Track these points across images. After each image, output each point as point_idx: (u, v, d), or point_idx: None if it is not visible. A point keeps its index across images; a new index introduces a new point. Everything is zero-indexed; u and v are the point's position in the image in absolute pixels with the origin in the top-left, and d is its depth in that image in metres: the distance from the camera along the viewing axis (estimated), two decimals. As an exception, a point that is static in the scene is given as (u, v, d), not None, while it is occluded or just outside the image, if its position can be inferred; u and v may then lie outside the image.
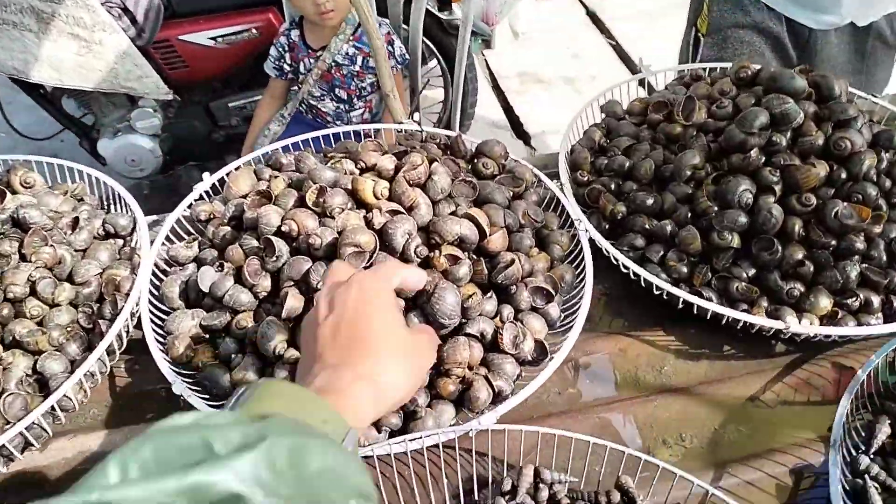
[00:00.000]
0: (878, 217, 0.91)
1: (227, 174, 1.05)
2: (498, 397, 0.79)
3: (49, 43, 2.19)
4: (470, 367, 0.81)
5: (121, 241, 0.98)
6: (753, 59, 1.49)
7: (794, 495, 0.75)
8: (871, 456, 0.74)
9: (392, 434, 0.78)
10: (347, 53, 1.93)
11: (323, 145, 1.18)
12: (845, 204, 0.90)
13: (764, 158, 0.95)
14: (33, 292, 0.86)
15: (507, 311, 0.85)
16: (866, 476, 0.71)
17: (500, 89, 3.60)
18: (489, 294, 0.85)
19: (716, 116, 1.02)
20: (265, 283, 0.86)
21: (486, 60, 3.74)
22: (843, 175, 0.93)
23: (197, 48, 2.35)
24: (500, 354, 0.82)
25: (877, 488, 0.70)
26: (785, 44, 1.48)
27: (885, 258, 0.92)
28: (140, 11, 2.24)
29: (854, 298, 0.88)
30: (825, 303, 0.88)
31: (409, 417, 0.78)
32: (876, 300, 0.89)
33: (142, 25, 2.26)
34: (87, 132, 2.53)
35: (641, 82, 1.28)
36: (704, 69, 1.22)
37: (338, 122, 2.07)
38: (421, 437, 0.74)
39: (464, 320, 0.83)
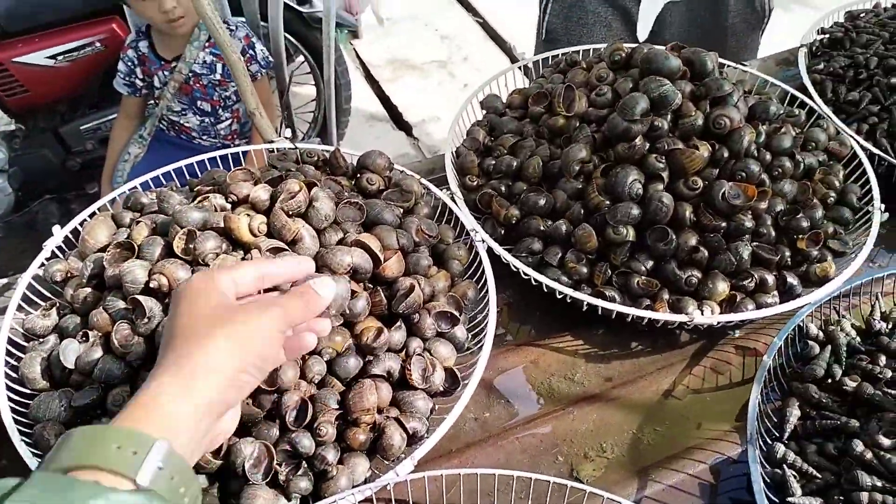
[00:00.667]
0: (763, 193, 0.93)
1: (81, 223, 0.94)
2: (413, 439, 0.74)
3: None
4: (380, 411, 0.75)
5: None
6: (598, 30, 1.49)
7: (717, 491, 0.75)
8: (786, 441, 0.75)
9: (304, 500, 0.71)
10: (205, 62, 1.80)
11: (188, 175, 1.07)
12: (731, 184, 0.91)
13: (648, 145, 0.94)
14: None
15: (415, 343, 0.80)
16: (784, 466, 0.71)
17: (374, 79, 3.51)
18: (397, 324, 0.80)
19: (596, 105, 1.00)
20: (139, 350, 0.76)
21: (355, 50, 3.64)
22: (726, 154, 0.94)
23: (35, 70, 2.13)
24: (410, 391, 0.77)
25: (795, 476, 0.70)
26: (632, 13, 1.48)
27: (773, 234, 0.94)
28: (-37, 35, 2.00)
29: (749, 279, 0.89)
30: (722, 287, 0.88)
31: (319, 478, 0.72)
32: (770, 278, 0.90)
33: (-34, 50, 2.02)
34: (-79, 175, 2.26)
35: (521, 68, 1.25)
36: (578, 52, 1.20)
37: (204, 137, 1.93)
38: (336, 501, 0.68)
39: (369, 359, 0.77)
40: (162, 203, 0.92)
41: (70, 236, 0.94)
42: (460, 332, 0.84)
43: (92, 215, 0.96)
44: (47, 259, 0.91)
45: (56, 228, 0.94)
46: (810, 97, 1.14)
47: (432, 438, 0.72)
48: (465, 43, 3.76)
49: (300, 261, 0.62)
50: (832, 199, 0.99)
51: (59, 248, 0.93)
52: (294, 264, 0.61)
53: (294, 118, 2.22)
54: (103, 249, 0.88)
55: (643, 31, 1.49)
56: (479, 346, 0.82)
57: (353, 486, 0.70)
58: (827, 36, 1.29)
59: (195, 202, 0.89)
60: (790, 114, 1.07)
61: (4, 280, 0.99)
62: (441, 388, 0.79)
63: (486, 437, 0.81)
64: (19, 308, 0.86)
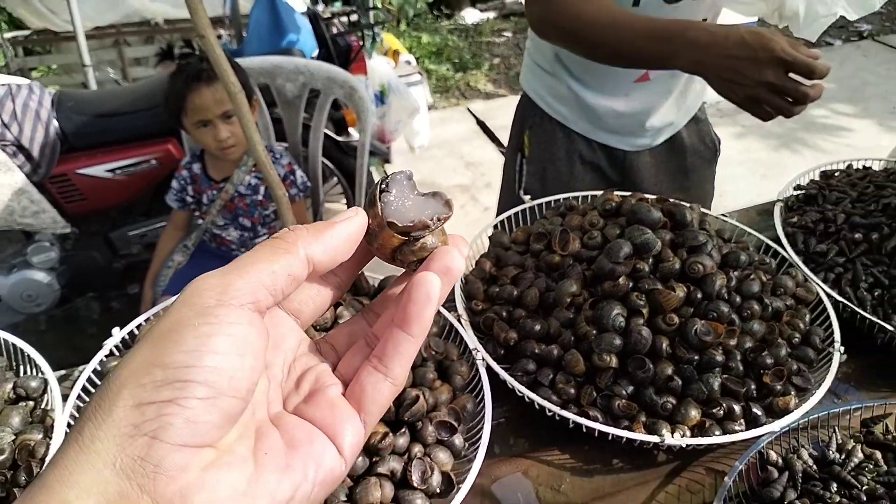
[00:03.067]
0: (732, 332, 1.05)
1: (138, 326, 1.08)
2: (410, 534, 0.84)
3: (-61, 184, 2.16)
4: (382, 507, 0.86)
5: (32, 403, 0.99)
6: (574, 186, 1.67)
7: None
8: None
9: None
10: (250, 184, 2.01)
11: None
12: (703, 322, 1.04)
13: (631, 284, 1.08)
14: (-61, 469, 0.85)
15: (417, 448, 0.91)
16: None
17: (401, 199, 3.75)
18: (402, 430, 0.92)
19: (587, 246, 1.15)
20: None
21: (385, 172, 3.90)
22: (699, 295, 1.07)
23: (95, 181, 2.37)
24: (410, 491, 0.88)
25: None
26: (602, 167, 1.68)
27: (741, 368, 1.05)
28: (36, 148, 2.25)
29: (718, 408, 1.00)
30: (694, 413, 0.99)
31: (326, 564, 0.82)
32: (737, 408, 1.01)
33: (38, 161, 2.27)
34: (-22, 269, 2.47)
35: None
36: (577, 198, 1.37)
37: (242, 250, 2.12)
38: (339, 584, 0.78)
39: (375, 459, 0.89)
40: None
41: (127, 337, 1.09)
42: (458, 440, 0.96)
43: (147, 321, 1.10)
44: (106, 356, 1.05)
45: (115, 330, 1.09)
46: (783, 247, 1.28)
47: (427, 533, 0.82)
48: (488, 170, 4.03)
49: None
50: (797, 339, 1.11)
51: (117, 346, 1.08)
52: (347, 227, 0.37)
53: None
54: (155, 350, 1.02)
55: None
56: (474, 454, 0.93)
57: (355, 573, 0.80)
58: (802, 192, 1.45)
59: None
60: (762, 261, 1.21)
61: (62, 371, 1.13)
62: (438, 490, 0.90)
63: (475, 538, 0.91)
64: (78, 398, 0.99)
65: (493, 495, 0.97)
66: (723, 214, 1.36)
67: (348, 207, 2.21)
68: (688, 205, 1.16)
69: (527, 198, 1.41)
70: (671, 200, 1.20)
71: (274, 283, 0.33)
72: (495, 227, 1.36)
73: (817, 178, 1.50)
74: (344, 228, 0.36)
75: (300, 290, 0.39)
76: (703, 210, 1.25)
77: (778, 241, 1.31)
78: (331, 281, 0.40)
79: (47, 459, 0.87)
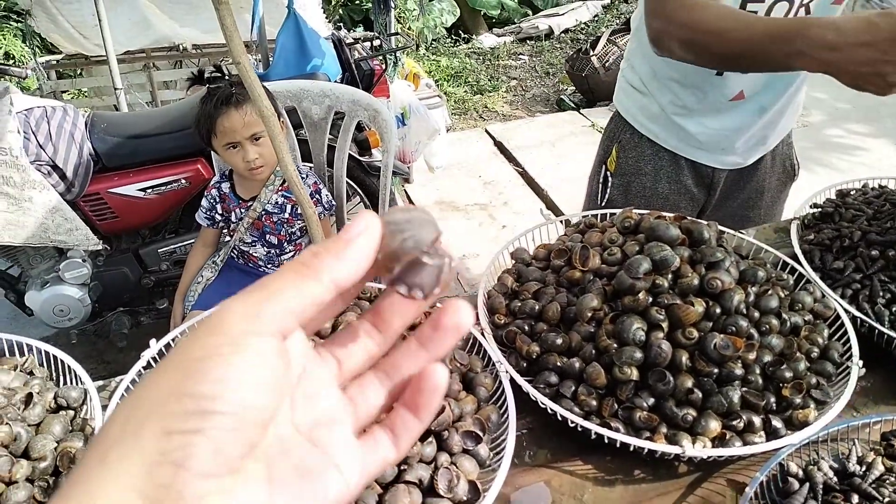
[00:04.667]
0: (750, 346, 1.07)
1: (174, 339, 1.13)
2: (438, 539, 0.87)
3: (-24, 202, 2.24)
4: (410, 513, 0.89)
5: (72, 412, 1.03)
6: (656, 202, 1.71)
7: None
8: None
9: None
10: (277, 203, 2.06)
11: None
12: (722, 336, 1.06)
13: (651, 299, 1.11)
14: (-11, 472, 0.90)
15: (443, 457, 0.94)
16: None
17: (421, 218, 3.80)
18: (429, 439, 0.95)
19: (607, 262, 1.19)
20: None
21: (406, 192, 3.97)
22: (718, 310, 1.10)
23: (127, 200, 2.44)
24: (436, 498, 0.91)
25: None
26: (687, 184, 1.71)
27: (761, 381, 1.07)
28: (70, 168, 2.33)
29: (738, 420, 1.02)
30: (714, 425, 1.02)
31: (357, 566, 0.85)
32: (757, 420, 1.03)
33: (71, 181, 2.34)
34: (13, 284, 2.54)
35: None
36: (595, 216, 1.40)
37: (269, 266, 2.17)
38: (370, 585, 0.81)
39: (403, 467, 0.92)
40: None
41: (163, 349, 1.13)
42: (483, 450, 0.99)
43: (181, 332, 1.15)
44: (143, 368, 1.10)
45: (153, 342, 1.13)
46: (800, 264, 1.30)
47: (454, 538, 0.85)
48: (506, 189, 4.07)
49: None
50: (815, 353, 1.13)
51: (153, 358, 1.12)
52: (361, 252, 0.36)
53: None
54: (192, 361, 1.06)
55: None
56: (498, 463, 0.96)
57: (385, 575, 0.83)
58: (819, 210, 1.47)
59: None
60: (779, 278, 1.23)
61: (100, 382, 1.18)
62: (464, 498, 0.93)
63: (500, 545, 0.94)
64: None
65: (513, 502, 1.00)
66: (740, 232, 1.39)
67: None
68: (705, 223, 1.19)
69: (546, 214, 1.44)
70: (689, 218, 1.23)
71: (302, 310, 0.34)
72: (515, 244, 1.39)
73: (833, 197, 1.52)
74: (365, 243, 0.36)
75: None
76: (720, 228, 1.28)
77: (795, 258, 1.33)
78: (342, 295, 0.38)
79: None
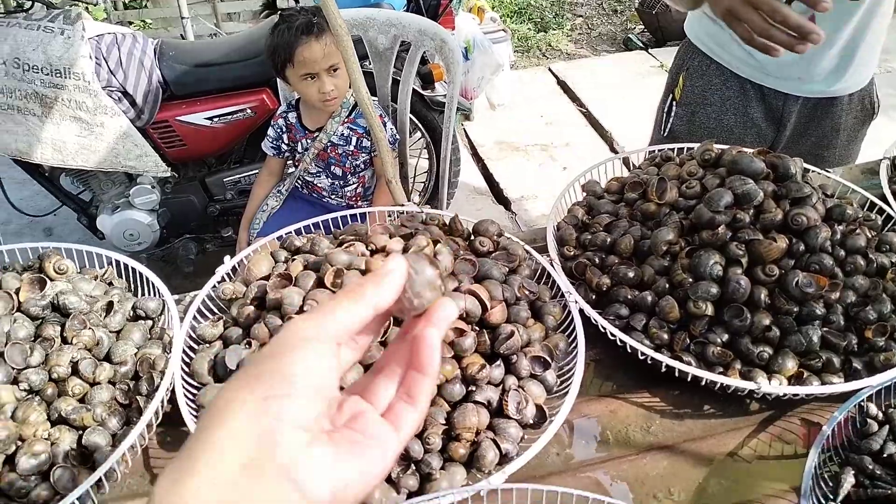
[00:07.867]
0: (834, 285, 1.03)
1: (247, 257, 1.15)
2: (504, 458, 0.88)
3: (52, 126, 2.30)
4: (478, 432, 0.89)
5: (150, 322, 1.07)
6: (720, 136, 1.63)
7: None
8: None
9: (410, 495, 0.86)
10: (343, 134, 2.06)
11: (327, 227, 1.27)
12: (804, 274, 1.02)
13: (730, 234, 1.07)
14: (75, 372, 0.94)
15: (511, 380, 0.94)
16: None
17: (480, 157, 3.76)
18: (497, 363, 0.95)
19: (685, 196, 1.14)
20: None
21: (465, 130, 3.91)
22: (802, 247, 1.05)
23: (194, 128, 2.47)
24: (504, 419, 0.91)
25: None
26: (756, 119, 1.63)
27: (842, 322, 1.03)
28: (140, 95, 2.36)
29: (817, 360, 0.99)
30: (791, 364, 0.99)
31: (424, 480, 0.86)
32: (836, 360, 1.00)
33: (141, 108, 2.38)
34: (86, 208, 2.62)
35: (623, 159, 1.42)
36: (673, 149, 1.35)
37: (333, 197, 2.18)
38: (438, 497, 0.82)
39: (472, 388, 0.92)
40: (314, 246, 1.12)
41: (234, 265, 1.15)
42: (550, 376, 0.98)
43: (254, 252, 1.16)
44: (218, 282, 1.12)
45: (227, 258, 1.15)
46: (889, 205, 1.23)
47: (522, 458, 0.85)
48: (568, 129, 3.98)
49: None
50: (902, 296, 1.08)
51: (227, 274, 1.14)
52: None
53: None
54: (265, 278, 1.08)
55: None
56: (565, 390, 0.96)
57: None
58: (912, 150, 1.38)
59: (342, 247, 1.09)
60: (867, 218, 1.17)
61: (176, 296, 1.21)
62: (531, 421, 0.93)
63: (565, 469, 0.94)
64: (194, 318, 1.06)
65: (582, 431, 0.99)
66: (826, 169, 1.32)
67: (429, 162, 2.22)
68: (791, 158, 1.13)
69: (622, 146, 1.40)
70: (774, 152, 1.17)
71: (351, 325, 0.44)
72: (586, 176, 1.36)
73: (930, 137, 1.43)
74: (397, 278, 0.45)
75: None
76: (805, 165, 1.21)
77: (884, 199, 1.26)
78: (375, 319, 0.47)
79: (165, 372, 0.94)
